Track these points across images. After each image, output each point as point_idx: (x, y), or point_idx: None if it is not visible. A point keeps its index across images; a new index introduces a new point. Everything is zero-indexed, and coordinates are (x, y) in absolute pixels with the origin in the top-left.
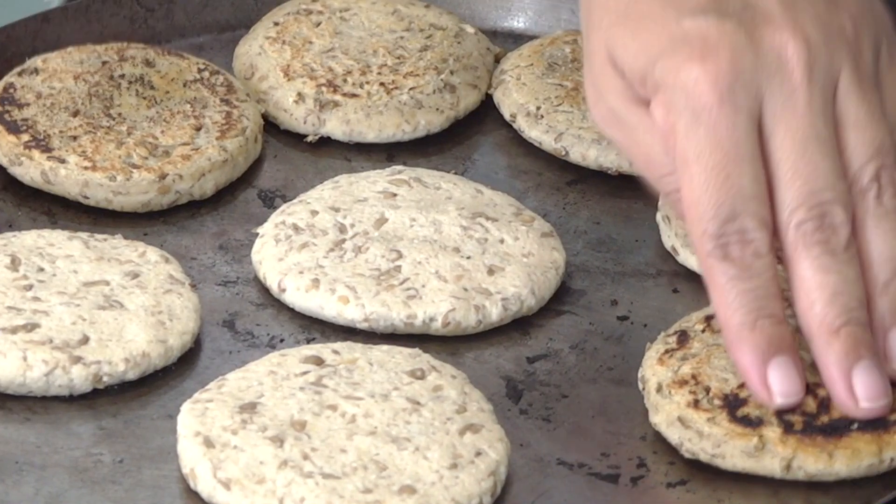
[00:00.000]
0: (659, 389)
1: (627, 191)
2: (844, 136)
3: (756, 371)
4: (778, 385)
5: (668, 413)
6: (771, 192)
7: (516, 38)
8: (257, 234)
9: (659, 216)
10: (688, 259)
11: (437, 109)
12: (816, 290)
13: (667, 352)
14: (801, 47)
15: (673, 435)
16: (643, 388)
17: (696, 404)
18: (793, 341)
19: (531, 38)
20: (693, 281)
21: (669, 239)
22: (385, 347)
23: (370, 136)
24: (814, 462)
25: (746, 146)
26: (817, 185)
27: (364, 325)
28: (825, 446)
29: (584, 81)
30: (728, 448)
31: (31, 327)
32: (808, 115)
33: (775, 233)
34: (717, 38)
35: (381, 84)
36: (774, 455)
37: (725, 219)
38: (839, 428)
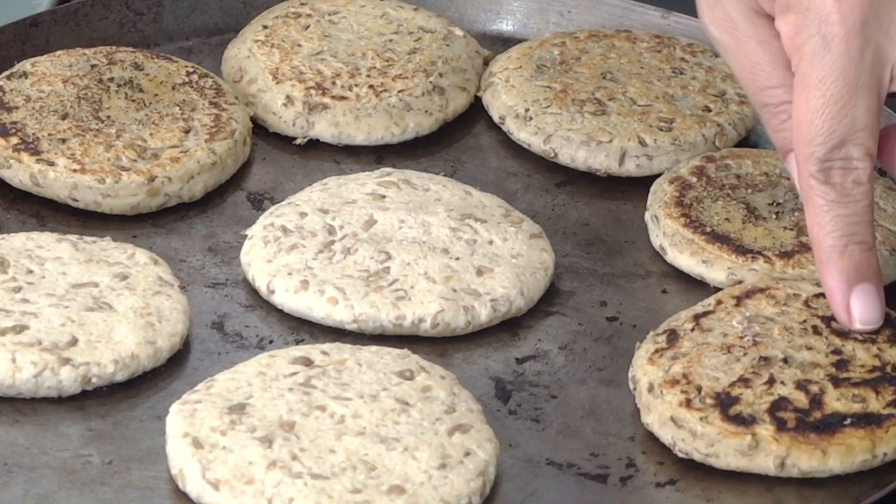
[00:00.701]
0: (650, 389)
1: (616, 192)
2: None
3: (840, 295)
4: (859, 311)
5: (660, 413)
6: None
7: (505, 41)
8: (246, 235)
9: (647, 216)
10: (675, 258)
11: (426, 112)
12: None
13: (657, 351)
14: None
15: (666, 435)
16: (634, 388)
17: (688, 404)
18: (878, 270)
19: (520, 40)
20: (682, 281)
21: (657, 238)
22: (374, 348)
23: (359, 139)
24: (807, 459)
25: (868, 79)
26: None
27: (353, 327)
28: (818, 443)
29: None
30: (721, 447)
31: (20, 329)
32: None
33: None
34: None
35: (370, 87)
36: (768, 453)
37: (835, 145)
38: (832, 424)
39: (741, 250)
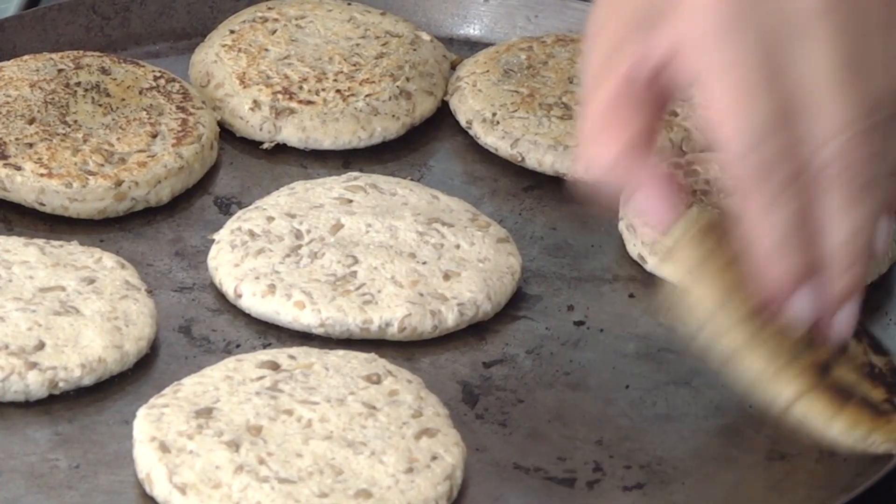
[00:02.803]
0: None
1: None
2: None
3: (781, 295)
4: (800, 311)
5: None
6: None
7: (472, 46)
8: (213, 240)
9: (622, 225)
10: (657, 267)
11: (393, 116)
12: (846, 226)
13: None
14: None
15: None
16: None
17: None
18: (815, 267)
19: (487, 45)
20: (649, 286)
21: (636, 248)
22: (341, 352)
23: (326, 143)
24: (818, 412)
25: (773, 60)
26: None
27: (320, 331)
28: (833, 403)
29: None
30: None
31: None
32: (831, 38)
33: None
34: None
35: (337, 91)
36: (790, 382)
37: (759, 138)
38: (848, 394)
39: None
